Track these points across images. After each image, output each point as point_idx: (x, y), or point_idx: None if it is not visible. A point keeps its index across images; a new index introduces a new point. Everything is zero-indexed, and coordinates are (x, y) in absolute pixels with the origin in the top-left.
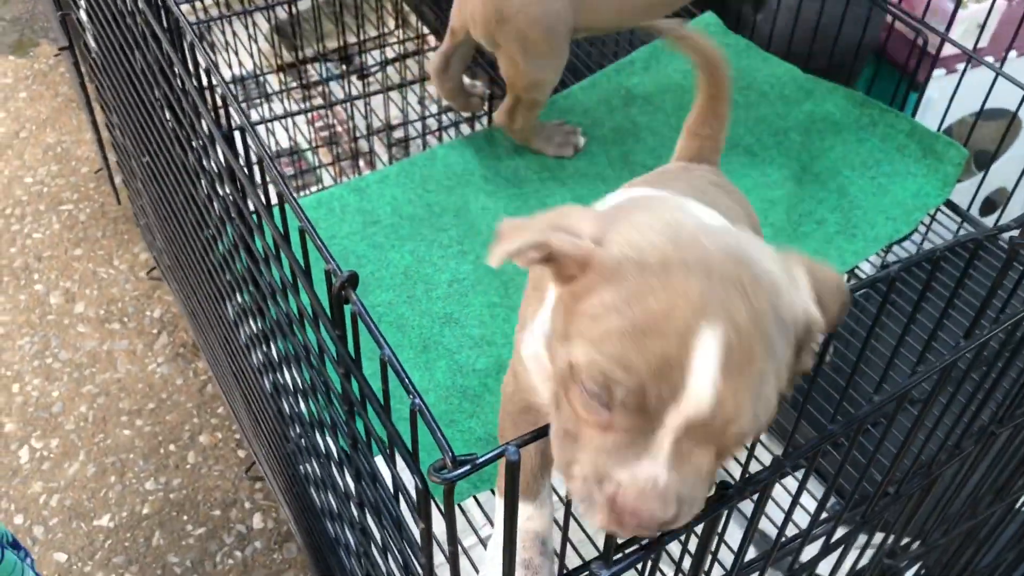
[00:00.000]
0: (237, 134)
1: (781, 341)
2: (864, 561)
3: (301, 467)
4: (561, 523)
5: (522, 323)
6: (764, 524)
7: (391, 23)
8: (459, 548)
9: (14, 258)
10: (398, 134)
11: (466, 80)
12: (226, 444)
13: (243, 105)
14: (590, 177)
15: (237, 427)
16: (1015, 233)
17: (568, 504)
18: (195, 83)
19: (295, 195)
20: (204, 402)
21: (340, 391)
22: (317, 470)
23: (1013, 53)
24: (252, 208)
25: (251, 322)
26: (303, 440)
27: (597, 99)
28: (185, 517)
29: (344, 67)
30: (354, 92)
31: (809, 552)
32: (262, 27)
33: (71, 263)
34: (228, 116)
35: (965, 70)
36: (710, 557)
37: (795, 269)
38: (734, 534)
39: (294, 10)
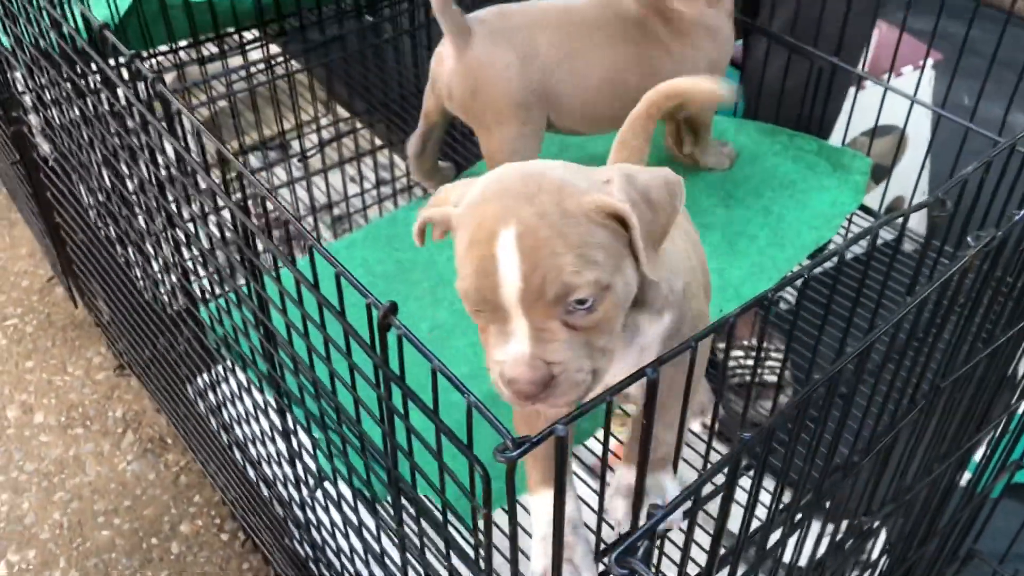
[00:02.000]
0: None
1: (575, 226)
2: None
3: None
4: (593, 504)
5: None
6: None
7: (320, 110)
8: (517, 532)
9: None
10: (338, 211)
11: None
12: (207, 530)
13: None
14: None
15: (216, 512)
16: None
17: (603, 483)
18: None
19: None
20: (180, 492)
21: (382, 411)
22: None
23: (891, 75)
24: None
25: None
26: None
27: (557, 150)
28: None
29: (283, 153)
30: (295, 174)
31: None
32: (202, 119)
33: (24, 376)
34: (243, 187)
35: (857, 91)
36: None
37: (611, 176)
38: (702, 538)
39: (232, 101)
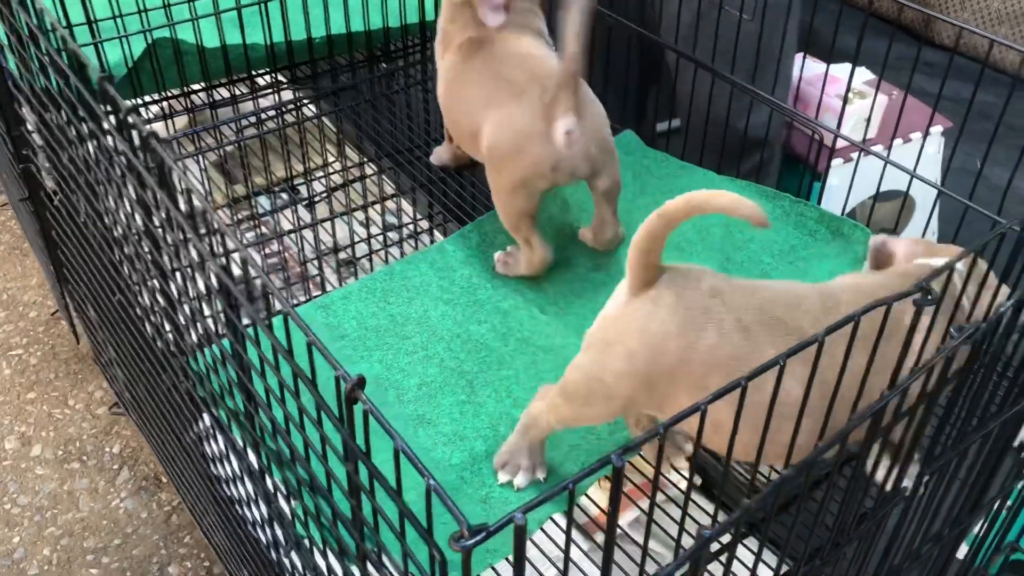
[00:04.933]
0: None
1: None
2: None
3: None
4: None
5: None
6: None
7: (330, 154)
8: None
9: None
10: (344, 255)
11: None
12: (196, 572)
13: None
14: (538, 280)
15: (206, 555)
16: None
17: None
18: (185, 215)
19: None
20: (171, 532)
21: (349, 485)
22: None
23: (899, 140)
24: (247, 323)
25: (228, 436)
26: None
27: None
28: None
29: (292, 196)
30: (302, 219)
31: None
32: (211, 162)
33: (24, 407)
34: (224, 243)
35: (859, 160)
36: None
37: None
38: None
39: (241, 146)
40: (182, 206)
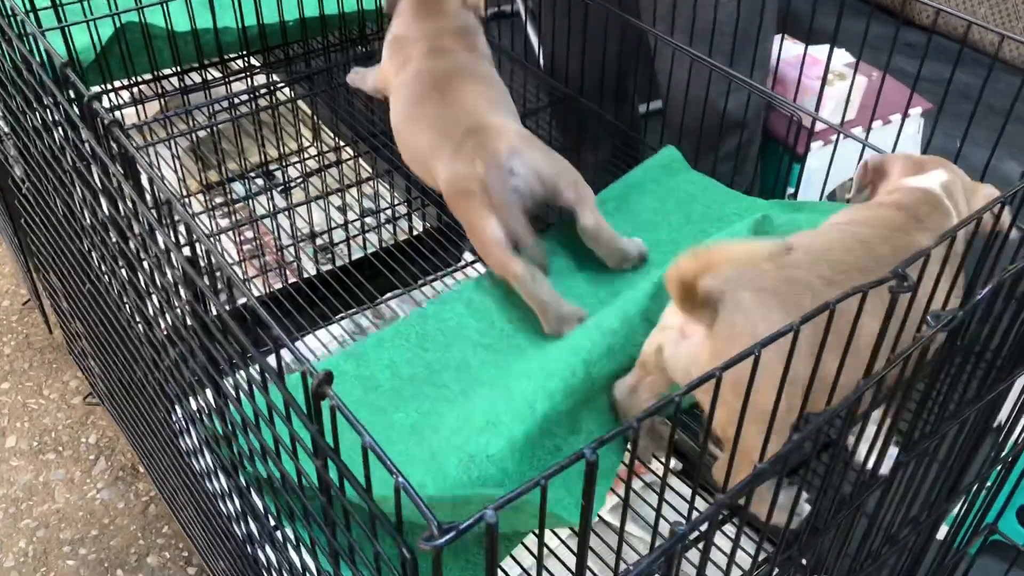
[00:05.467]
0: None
1: None
2: None
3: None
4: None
5: None
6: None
7: (305, 139)
8: None
9: None
10: (321, 241)
11: None
12: (175, 562)
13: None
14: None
15: (184, 545)
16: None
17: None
18: (156, 214)
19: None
20: (148, 523)
21: (319, 481)
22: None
23: (879, 122)
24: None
25: (204, 427)
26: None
27: (579, 242)
28: None
29: (268, 182)
30: (277, 205)
31: None
32: (184, 148)
33: None
34: (193, 246)
35: (837, 141)
36: None
37: None
38: None
39: (214, 131)
40: (148, 197)
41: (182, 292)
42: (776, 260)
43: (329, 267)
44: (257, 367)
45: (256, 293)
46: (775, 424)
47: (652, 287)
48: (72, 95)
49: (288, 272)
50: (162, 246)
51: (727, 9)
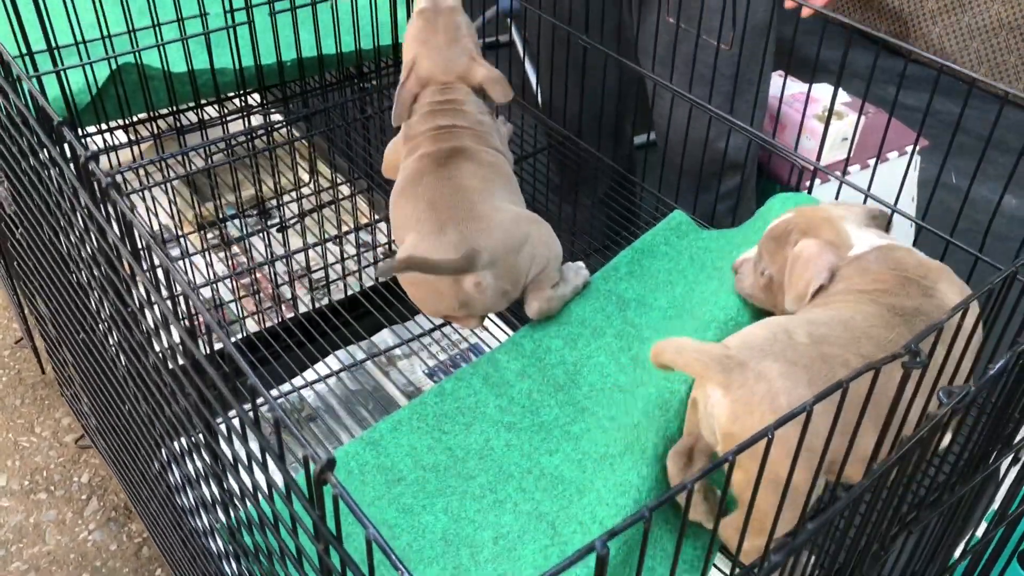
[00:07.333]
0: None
1: None
2: None
3: None
4: None
5: None
6: None
7: (304, 176)
8: None
9: None
10: (317, 275)
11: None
12: None
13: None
14: (606, 391)
15: None
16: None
17: None
18: (149, 272)
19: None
20: (141, 565)
21: (319, 563)
22: None
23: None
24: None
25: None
26: None
27: (592, 309)
28: None
29: (264, 221)
30: (275, 244)
31: None
32: (181, 190)
33: None
34: (191, 318)
35: (840, 189)
36: None
37: None
38: None
39: (210, 162)
40: (144, 261)
41: (178, 359)
42: (809, 332)
43: (326, 301)
44: (257, 443)
45: (254, 329)
46: (790, 493)
47: (686, 389)
48: (69, 153)
49: (284, 308)
50: (159, 315)
51: (727, 53)
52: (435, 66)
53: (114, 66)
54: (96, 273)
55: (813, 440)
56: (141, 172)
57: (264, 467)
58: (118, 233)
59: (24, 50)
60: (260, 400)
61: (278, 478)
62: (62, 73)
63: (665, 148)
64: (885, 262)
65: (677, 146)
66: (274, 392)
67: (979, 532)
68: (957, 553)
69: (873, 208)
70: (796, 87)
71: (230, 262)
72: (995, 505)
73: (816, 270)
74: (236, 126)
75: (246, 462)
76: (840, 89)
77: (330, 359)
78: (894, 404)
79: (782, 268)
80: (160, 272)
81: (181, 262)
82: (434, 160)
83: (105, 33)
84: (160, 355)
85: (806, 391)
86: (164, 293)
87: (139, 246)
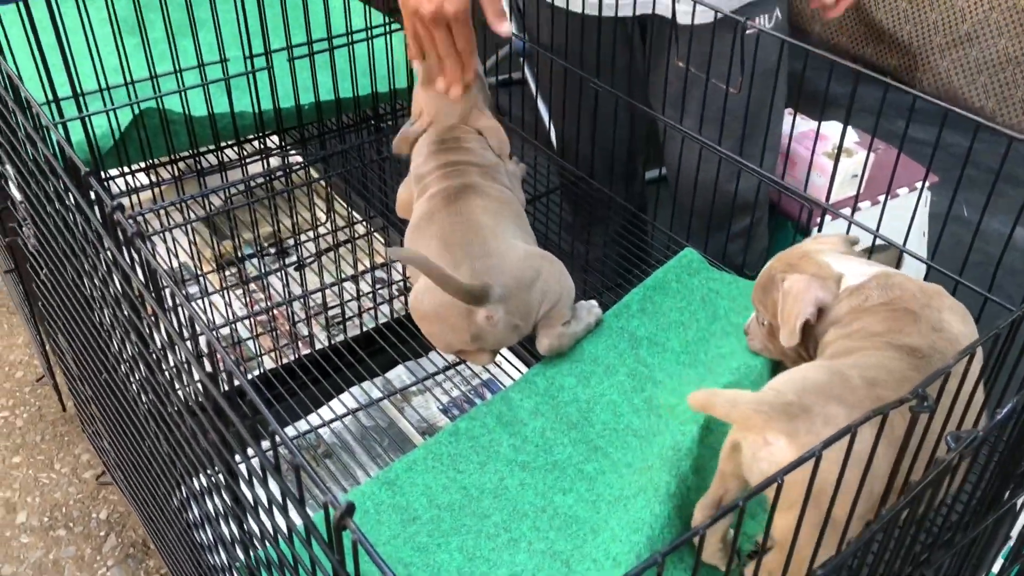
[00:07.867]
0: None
1: None
2: None
3: None
4: None
5: None
6: None
7: (321, 215)
8: None
9: None
10: (333, 312)
11: None
12: None
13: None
14: (619, 432)
15: None
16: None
17: None
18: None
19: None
20: None
21: None
22: None
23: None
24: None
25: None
26: None
27: (604, 347)
28: None
29: (281, 260)
30: (291, 282)
31: None
32: (200, 229)
33: (10, 472)
34: (194, 328)
35: (849, 227)
36: None
37: None
38: None
39: (229, 204)
40: (169, 314)
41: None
42: (863, 375)
43: (341, 338)
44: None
45: (270, 365)
46: (831, 534)
47: (698, 430)
48: (95, 200)
49: (301, 344)
50: (183, 360)
51: (736, 96)
52: (439, 112)
53: (136, 111)
54: (119, 315)
55: (874, 483)
56: (162, 213)
57: (284, 510)
58: (142, 279)
59: (50, 96)
60: (278, 440)
61: (297, 519)
62: (87, 119)
63: (676, 189)
64: (889, 290)
65: (688, 187)
66: (291, 431)
67: (995, 568)
68: None
69: (848, 236)
70: (805, 125)
71: (248, 300)
72: (1011, 542)
73: (804, 304)
74: (255, 167)
75: (266, 504)
76: (849, 128)
77: (345, 396)
78: (903, 447)
79: (775, 312)
80: (183, 315)
81: (200, 301)
82: (444, 198)
83: (128, 80)
84: (182, 397)
85: (869, 435)
86: (186, 334)
87: (162, 292)
